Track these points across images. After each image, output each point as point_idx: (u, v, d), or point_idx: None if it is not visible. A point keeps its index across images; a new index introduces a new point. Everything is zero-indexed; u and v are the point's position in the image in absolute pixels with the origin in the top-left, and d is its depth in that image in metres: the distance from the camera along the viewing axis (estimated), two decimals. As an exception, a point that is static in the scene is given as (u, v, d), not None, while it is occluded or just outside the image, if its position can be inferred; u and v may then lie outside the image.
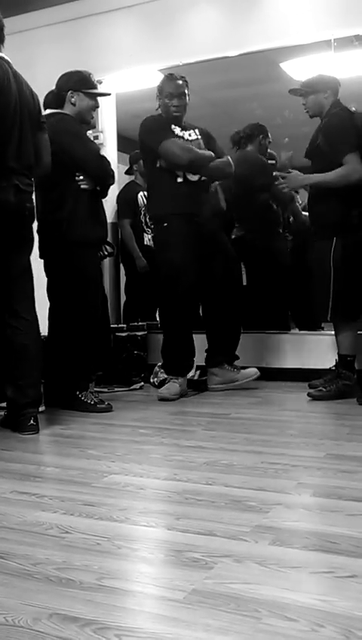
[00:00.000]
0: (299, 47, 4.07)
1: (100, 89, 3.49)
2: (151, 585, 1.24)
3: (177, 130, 3.51)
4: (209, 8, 4.30)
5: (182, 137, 3.51)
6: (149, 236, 4.62)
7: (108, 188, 3.39)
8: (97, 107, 3.31)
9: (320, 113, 3.39)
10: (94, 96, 3.27)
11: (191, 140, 3.54)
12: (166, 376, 3.71)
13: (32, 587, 1.23)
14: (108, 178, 3.29)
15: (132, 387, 3.96)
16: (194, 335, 3.66)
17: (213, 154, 3.49)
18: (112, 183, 3.38)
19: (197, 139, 3.57)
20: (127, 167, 4.78)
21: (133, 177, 4.77)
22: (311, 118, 3.43)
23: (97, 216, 3.29)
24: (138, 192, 4.61)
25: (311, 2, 3.97)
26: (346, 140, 3.23)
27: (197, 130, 3.60)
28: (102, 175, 3.25)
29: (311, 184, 3.39)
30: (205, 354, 3.76)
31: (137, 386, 3.99)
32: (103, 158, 3.29)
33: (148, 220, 4.60)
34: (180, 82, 3.50)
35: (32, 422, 2.69)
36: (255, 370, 3.74)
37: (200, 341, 3.70)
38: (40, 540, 1.48)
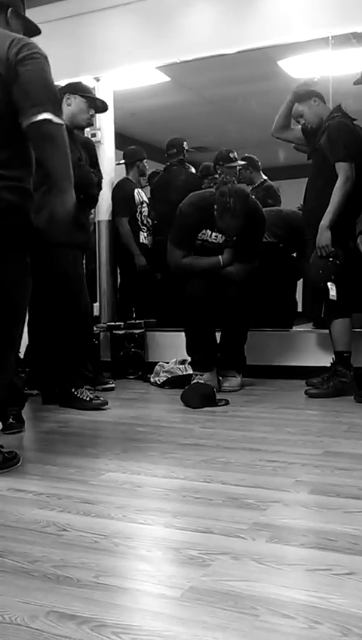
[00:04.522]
0: (297, 44, 4.07)
1: (97, 95, 3.52)
2: (148, 582, 1.24)
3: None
4: (206, 5, 4.29)
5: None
6: (145, 234, 4.60)
7: (94, 197, 3.38)
8: (91, 114, 3.32)
9: (320, 122, 3.40)
10: (90, 102, 3.28)
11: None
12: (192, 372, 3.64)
13: (29, 585, 1.23)
14: (89, 187, 3.25)
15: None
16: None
17: None
18: (97, 193, 3.37)
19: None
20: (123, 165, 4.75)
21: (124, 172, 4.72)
22: (311, 129, 3.43)
23: (79, 221, 3.25)
24: (134, 189, 4.57)
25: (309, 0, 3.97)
26: (343, 147, 3.24)
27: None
28: (82, 184, 3.21)
29: (331, 221, 3.23)
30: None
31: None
32: (83, 166, 3.24)
33: (143, 217, 4.58)
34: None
35: (10, 420, 2.63)
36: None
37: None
38: (37, 538, 1.48)
